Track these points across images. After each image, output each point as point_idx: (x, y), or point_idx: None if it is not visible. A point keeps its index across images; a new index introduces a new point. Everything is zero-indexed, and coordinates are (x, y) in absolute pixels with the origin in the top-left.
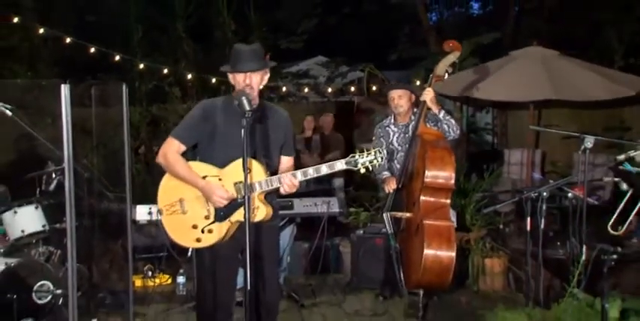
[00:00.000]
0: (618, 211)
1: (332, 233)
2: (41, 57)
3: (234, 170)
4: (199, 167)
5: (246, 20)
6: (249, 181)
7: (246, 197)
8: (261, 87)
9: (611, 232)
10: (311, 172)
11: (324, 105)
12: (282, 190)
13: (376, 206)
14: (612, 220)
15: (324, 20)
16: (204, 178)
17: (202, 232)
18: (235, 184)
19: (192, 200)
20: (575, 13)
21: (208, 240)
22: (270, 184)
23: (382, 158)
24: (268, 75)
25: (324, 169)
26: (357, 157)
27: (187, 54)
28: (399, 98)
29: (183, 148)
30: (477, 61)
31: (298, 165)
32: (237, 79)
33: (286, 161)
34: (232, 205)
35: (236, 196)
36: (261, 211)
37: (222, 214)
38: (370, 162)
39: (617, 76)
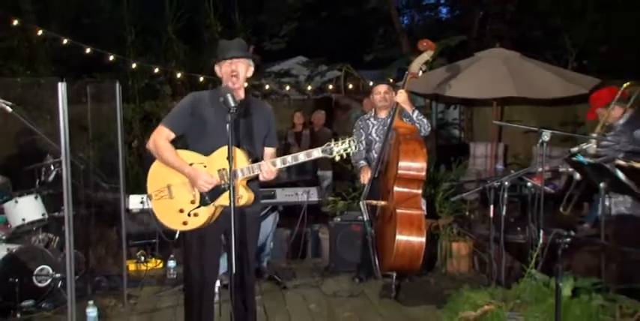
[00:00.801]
0: (566, 196)
1: (312, 220)
2: (40, 57)
3: (219, 158)
4: (186, 155)
5: (232, 23)
6: (232, 167)
7: (231, 185)
8: (248, 76)
9: (562, 212)
10: (289, 159)
11: (304, 102)
12: (260, 177)
13: (352, 195)
14: (564, 203)
15: (304, 23)
16: (190, 165)
17: (189, 215)
18: (219, 170)
19: (179, 186)
20: (534, 18)
21: (194, 223)
22: (251, 171)
23: (356, 147)
24: (252, 68)
25: (302, 156)
26: (332, 145)
27: (177, 54)
28: (386, 93)
29: (172, 135)
30: (445, 62)
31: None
32: (224, 69)
33: (269, 152)
34: (216, 191)
35: (220, 182)
36: (244, 197)
37: (206, 199)
38: (345, 150)
39: (571, 76)
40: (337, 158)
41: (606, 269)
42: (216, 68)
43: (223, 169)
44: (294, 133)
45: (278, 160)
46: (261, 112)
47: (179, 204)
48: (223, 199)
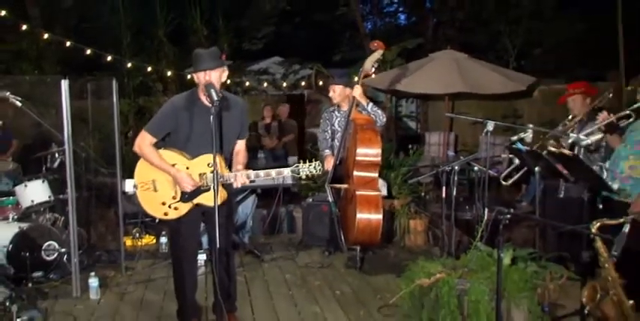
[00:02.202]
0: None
1: (286, 201)
2: (46, 57)
3: (201, 163)
4: (170, 155)
5: (216, 27)
6: (212, 173)
7: (215, 183)
8: (222, 80)
9: (503, 182)
10: (262, 174)
11: (280, 97)
12: (235, 185)
13: (323, 179)
14: (504, 176)
15: (280, 27)
16: (173, 165)
17: (169, 207)
18: (200, 174)
19: (164, 182)
20: (479, 25)
21: (174, 215)
22: (227, 180)
23: (320, 170)
24: (227, 72)
25: (273, 173)
26: (300, 167)
27: (167, 55)
28: (333, 91)
29: (154, 140)
30: (403, 62)
31: (259, 145)
32: (200, 78)
33: (240, 143)
34: (196, 191)
35: (200, 183)
36: (221, 195)
37: (187, 196)
38: (310, 171)
39: (512, 75)
40: (304, 177)
41: (539, 241)
42: (194, 76)
43: (204, 173)
44: (264, 124)
45: (252, 174)
46: (237, 107)
47: (162, 197)
48: (201, 198)
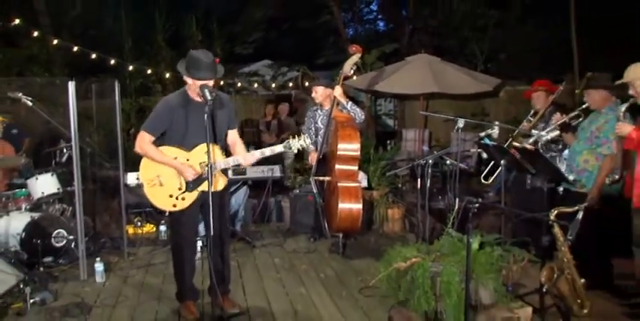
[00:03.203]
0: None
1: (275, 192)
2: (55, 61)
3: (199, 153)
4: (170, 150)
5: (210, 33)
6: (211, 160)
7: (209, 172)
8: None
9: (483, 181)
10: (262, 152)
11: (269, 97)
12: (244, 164)
13: (309, 172)
14: (484, 175)
15: (269, 33)
16: (174, 158)
17: (177, 199)
18: (200, 163)
19: (167, 176)
20: (450, 31)
21: (182, 205)
22: (235, 162)
23: (308, 142)
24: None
25: (268, 152)
26: (290, 141)
27: (165, 58)
28: (315, 92)
29: (153, 138)
30: (382, 65)
31: (260, 141)
32: (196, 83)
33: (232, 133)
34: (199, 179)
35: (202, 172)
36: (221, 182)
37: (190, 186)
38: (300, 145)
39: (480, 77)
40: (295, 151)
41: (504, 227)
42: (187, 78)
43: (204, 162)
44: (265, 121)
45: (258, 152)
46: (223, 102)
47: (168, 190)
48: (205, 185)
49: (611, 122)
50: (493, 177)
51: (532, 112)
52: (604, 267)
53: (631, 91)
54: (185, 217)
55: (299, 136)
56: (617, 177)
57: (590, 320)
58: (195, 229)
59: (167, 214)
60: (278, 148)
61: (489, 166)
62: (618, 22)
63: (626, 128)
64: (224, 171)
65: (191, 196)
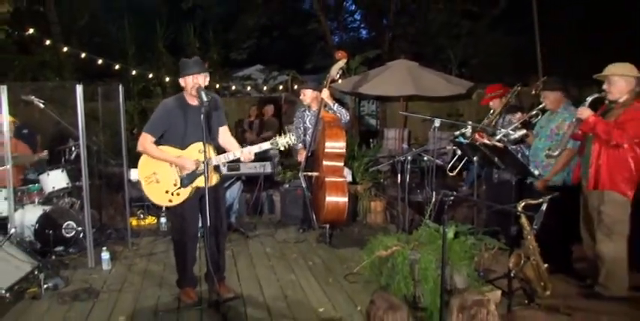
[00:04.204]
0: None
1: (267, 187)
2: (65, 67)
3: (192, 151)
4: (167, 150)
5: (206, 40)
6: (204, 157)
7: (205, 168)
8: (205, 84)
9: (449, 173)
10: (260, 146)
11: (261, 99)
12: (242, 159)
13: (298, 168)
14: (449, 168)
15: (261, 40)
16: None
17: (172, 194)
18: (194, 160)
19: (163, 173)
20: (427, 39)
21: (177, 200)
22: (232, 156)
23: (294, 139)
24: (208, 78)
25: (256, 149)
26: (277, 139)
27: (166, 64)
28: (304, 95)
29: (154, 139)
30: (365, 69)
31: (243, 139)
32: (187, 81)
33: (224, 130)
34: (193, 175)
35: (197, 166)
36: (215, 177)
37: (185, 182)
38: (287, 142)
39: (454, 80)
40: (282, 148)
41: (476, 218)
42: (181, 80)
43: (197, 159)
44: (249, 121)
45: (254, 147)
46: (217, 104)
47: (164, 186)
48: (198, 182)
49: (569, 121)
50: (457, 169)
51: (491, 111)
52: (564, 253)
53: (605, 86)
54: (187, 212)
55: (284, 134)
56: (554, 153)
57: (552, 301)
58: (196, 222)
59: (164, 208)
60: (265, 145)
61: (462, 162)
62: (578, 30)
63: (587, 112)
64: (216, 167)
65: (185, 192)
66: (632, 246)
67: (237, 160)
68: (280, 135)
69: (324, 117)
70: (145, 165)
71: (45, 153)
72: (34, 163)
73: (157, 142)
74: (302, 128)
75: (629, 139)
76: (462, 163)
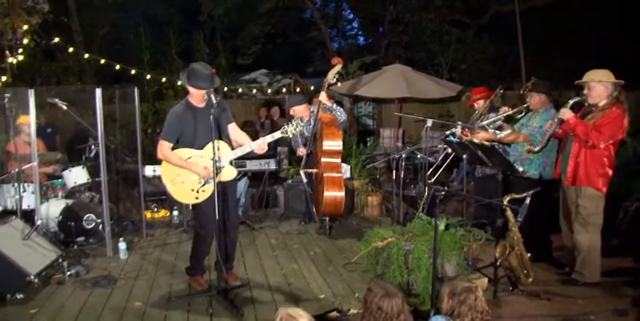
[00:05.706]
0: (433, 167)
1: (271, 183)
2: (86, 72)
3: (211, 150)
4: (185, 151)
5: (215, 46)
6: (218, 155)
7: (214, 167)
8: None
9: (429, 180)
10: (272, 136)
11: (266, 101)
12: (256, 151)
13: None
14: (431, 172)
15: (266, 46)
16: (189, 158)
17: (198, 192)
18: (212, 158)
19: (186, 173)
20: (420, 45)
21: (203, 196)
22: (247, 149)
23: (301, 126)
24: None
25: (269, 138)
26: (286, 127)
27: (178, 69)
28: (293, 112)
29: (170, 145)
30: (362, 73)
31: (256, 139)
32: (198, 92)
33: (232, 127)
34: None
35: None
36: (232, 172)
37: (207, 179)
38: (294, 129)
39: (445, 83)
40: (291, 135)
41: (466, 211)
42: (189, 87)
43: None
44: (260, 122)
45: (268, 137)
46: (224, 105)
47: (190, 185)
48: (219, 177)
49: (548, 121)
50: (437, 173)
51: (476, 111)
52: (545, 243)
53: (585, 91)
54: (207, 207)
55: (291, 123)
56: (535, 149)
57: (534, 287)
58: (213, 214)
59: (191, 207)
60: (277, 134)
61: (449, 158)
62: (558, 38)
63: (568, 114)
64: (231, 163)
65: (210, 188)
66: (604, 235)
67: (247, 156)
68: (288, 125)
69: (322, 117)
70: (167, 169)
71: (59, 155)
72: (55, 160)
73: (174, 147)
74: (299, 141)
75: (604, 140)
76: (444, 164)
